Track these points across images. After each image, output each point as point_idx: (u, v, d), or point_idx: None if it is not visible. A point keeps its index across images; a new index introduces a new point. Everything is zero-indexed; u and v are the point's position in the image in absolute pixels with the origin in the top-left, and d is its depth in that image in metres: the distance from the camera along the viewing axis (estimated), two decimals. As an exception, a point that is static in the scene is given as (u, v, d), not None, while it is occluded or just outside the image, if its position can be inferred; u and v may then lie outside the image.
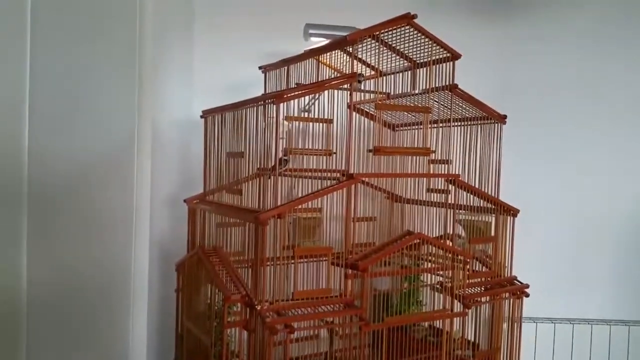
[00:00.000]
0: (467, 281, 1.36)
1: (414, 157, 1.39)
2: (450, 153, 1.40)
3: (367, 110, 1.58)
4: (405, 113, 1.53)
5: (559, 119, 2.08)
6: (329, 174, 1.31)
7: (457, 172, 1.42)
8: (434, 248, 1.34)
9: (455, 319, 1.34)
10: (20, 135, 1.10)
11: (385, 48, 1.35)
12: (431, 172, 1.41)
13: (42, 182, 1.12)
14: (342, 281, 1.22)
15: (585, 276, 2.09)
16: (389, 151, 1.33)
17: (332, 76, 1.48)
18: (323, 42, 1.56)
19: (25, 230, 1.11)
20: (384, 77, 1.46)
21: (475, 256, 1.46)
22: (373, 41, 1.30)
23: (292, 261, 1.16)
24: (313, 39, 1.62)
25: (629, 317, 2.08)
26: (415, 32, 1.29)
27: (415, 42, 1.33)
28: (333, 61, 1.49)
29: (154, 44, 1.26)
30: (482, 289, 1.42)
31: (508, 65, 2.08)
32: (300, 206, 1.17)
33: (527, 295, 1.48)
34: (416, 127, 1.58)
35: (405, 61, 1.42)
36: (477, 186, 1.46)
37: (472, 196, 1.43)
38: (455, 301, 1.34)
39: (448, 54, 1.33)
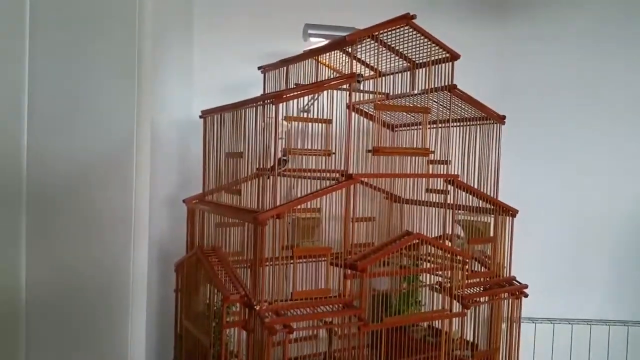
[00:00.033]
0: (466, 281, 1.36)
1: (413, 158, 1.39)
2: (450, 153, 1.40)
3: (367, 111, 1.58)
4: (405, 113, 1.53)
5: (559, 119, 2.08)
6: (328, 174, 1.31)
7: (456, 173, 1.42)
8: (433, 248, 1.34)
9: (454, 319, 1.34)
10: (20, 135, 1.10)
11: (384, 48, 1.35)
12: (430, 172, 1.41)
13: (41, 182, 1.12)
14: (341, 281, 1.22)
15: (585, 276, 2.09)
16: (388, 151, 1.33)
17: (332, 76, 1.48)
18: (322, 42, 1.56)
19: (24, 230, 1.11)
20: (383, 78, 1.46)
21: (474, 256, 1.46)
22: (372, 41, 1.30)
23: (291, 261, 1.16)
24: (312, 39, 1.62)
25: (628, 317, 2.08)
26: (415, 32, 1.29)
27: (414, 43, 1.33)
28: (332, 61, 1.49)
29: (154, 44, 1.26)
30: (481, 289, 1.42)
31: (507, 66, 2.09)
32: (299, 206, 1.17)
33: (526, 296, 1.48)
34: (415, 127, 1.58)
35: (404, 61, 1.42)
36: (476, 186, 1.46)
37: (471, 196, 1.43)
38: (454, 301, 1.34)
39: (447, 55, 1.33)
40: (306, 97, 1.32)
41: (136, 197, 1.20)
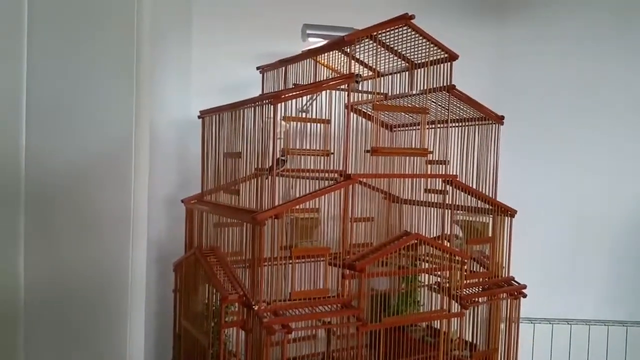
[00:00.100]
0: (465, 282, 1.36)
1: (412, 158, 1.39)
2: (448, 154, 1.40)
3: (365, 111, 1.58)
4: (403, 114, 1.53)
5: (557, 119, 2.08)
6: (326, 175, 1.31)
7: (454, 173, 1.42)
8: (431, 248, 1.34)
9: (452, 319, 1.34)
10: (18, 135, 1.10)
11: (383, 49, 1.35)
12: (429, 172, 1.41)
13: (40, 182, 1.12)
14: (340, 281, 1.22)
15: (584, 277, 2.09)
16: (386, 152, 1.33)
17: (330, 77, 1.48)
18: (321, 42, 1.56)
19: (22, 230, 1.11)
20: (382, 78, 1.46)
21: (473, 257, 1.46)
22: (371, 42, 1.30)
23: (290, 261, 1.16)
24: (311, 39, 1.62)
25: (627, 317, 2.09)
26: (413, 32, 1.29)
27: (412, 43, 1.33)
28: (331, 62, 1.49)
29: (152, 44, 1.26)
30: (480, 289, 1.42)
31: (506, 66, 2.09)
32: (297, 206, 1.17)
33: (525, 296, 1.48)
34: (414, 127, 1.58)
35: (402, 62, 1.42)
36: (474, 187, 1.46)
37: (469, 197, 1.43)
38: (453, 302, 1.34)
39: (445, 55, 1.34)
40: (305, 97, 1.32)
41: (135, 197, 1.20)
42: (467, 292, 1.37)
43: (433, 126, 1.40)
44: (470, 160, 1.47)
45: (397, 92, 1.44)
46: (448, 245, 1.38)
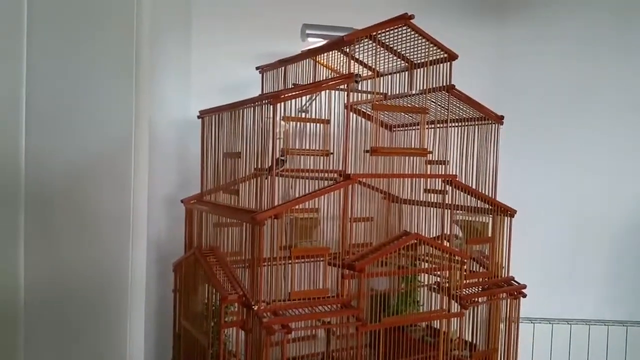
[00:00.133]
0: (465, 282, 1.36)
1: (411, 158, 1.39)
2: (448, 154, 1.40)
3: (364, 111, 1.58)
4: (403, 114, 1.53)
5: (557, 119, 2.08)
6: (326, 175, 1.31)
7: (454, 173, 1.42)
8: (431, 248, 1.34)
9: (452, 319, 1.34)
10: (18, 135, 1.10)
11: (382, 48, 1.35)
12: (428, 172, 1.41)
13: (39, 182, 1.12)
14: (339, 281, 1.22)
15: (583, 276, 2.09)
16: (385, 152, 1.33)
17: (330, 77, 1.48)
18: (320, 42, 1.56)
19: (22, 230, 1.11)
20: (381, 78, 1.46)
21: (473, 257, 1.46)
22: (370, 42, 1.30)
23: (289, 261, 1.17)
24: (310, 39, 1.62)
25: (627, 317, 2.09)
26: (413, 32, 1.29)
27: (412, 43, 1.33)
28: (330, 61, 1.49)
29: (152, 44, 1.26)
30: (480, 289, 1.42)
31: (505, 66, 2.09)
32: (297, 206, 1.17)
33: (525, 296, 1.48)
34: (413, 127, 1.58)
35: (402, 62, 1.42)
36: (474, 187, 1.46)
37: (469, 197, 1.43)
38: (453, 301, 1.34)
39: (445, 55, 1.34)
40: (304, 97, 1.32)
41: (134, 197, 1.20)
42: (467, 292, 1.37)
43: (433, 126, 1.40)
44: (470, 160, 1.47)
45: (397, 92, 1.44)
46: (448, 245, 1.38)
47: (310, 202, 1.20)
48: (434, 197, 1.43)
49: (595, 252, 2.09)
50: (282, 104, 1.18)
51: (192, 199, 1.49)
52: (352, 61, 1.32)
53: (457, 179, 1.41)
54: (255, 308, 1.13)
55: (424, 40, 1.31)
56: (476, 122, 1.47)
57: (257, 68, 1.62)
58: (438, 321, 1.35)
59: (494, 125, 1.48)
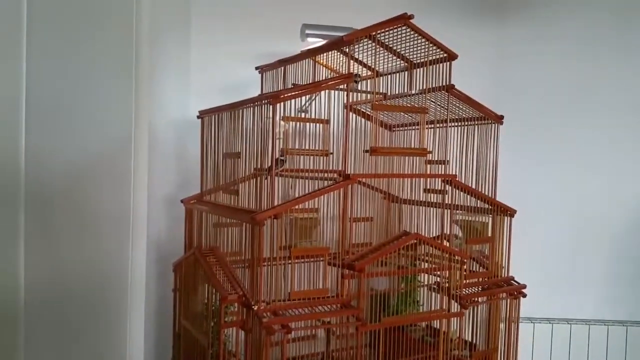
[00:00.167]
0: (464, 281, 1.36)
1: (411, 158, 1.39)
2: (447, 153, 1.40)
3: (364, 111, 1.58)
4: (402, 113, 1.53)
5: (557, 119, 2.08)
6: (325, 175, 1.31)
7: (454, 173, 1.42)
8: (431, 248, 1.34)
9: (452, 319, 1.34)
10: (18, 135, 1.10)
11: (382, 48, 1.35)
12: (428, 172, 1.41)
13: (39, 183, 1.12)
14: (339, 281, 1.22)
15: (583, 276, 2.09)
16: (385, 152, 1.33)
17: (329, 76, 1.48)
18: (320, 42, 1.56)
19: (22, 230, 1.11)
20: (381, 78, 1.46)
21: (473, 256, 1.46)
22: (370, 41, 1.30)
23: (289, 261, 1.17)
24: (310, 39, 1.62)
25: (627, 317, 2.09)
26: (412, 32, 1.29)
27: (412, 43, 1.33)
28: (330, 61, 1.49)
29: (151, 44, 1.27)
30: (480, 289, 1.42)
31: (506, 66, 2.09)
32: (297, 206, 1.17)
33: (525, 296, 1.48)
34: (413, 127, 1.58)
35: (402, 61, 1.42)
36: (474, 186, 1.46)
37: (469, 196, 1.43)
38: (453, 301, 1.34)
39: (445, 54, 1.33)
40: (304, 97, 1.32)
41: (134, 197, 1.20)
42: (467, 291, 1.37)
43: (432, 126, 1.40)
44: (470, 160, 1.47)
45: (396, 92, 1.44)
46: (447, 245, 1.38)
47: (310, 202, 1.20)
48: (434, 197, 1.43)
49: (595, 252, 2.09)
50: (282, 104, 1.18)
51: (192, 199, 1.49)
52: (351, 61, 1.32)
53: (457, 179, 1.40)
54: (255, 308, 1.13)
55: (423, 40, 1.31)
56: (476, 122, 1.47)
57: (256, 68, 1.62)
58: (438, 321, 1.35)
59: (493, 125, 1.48)
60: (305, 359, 1.48)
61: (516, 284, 1.49)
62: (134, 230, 1.21)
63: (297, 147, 1.31)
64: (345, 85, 1.25)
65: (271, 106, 1.15)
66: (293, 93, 1.20)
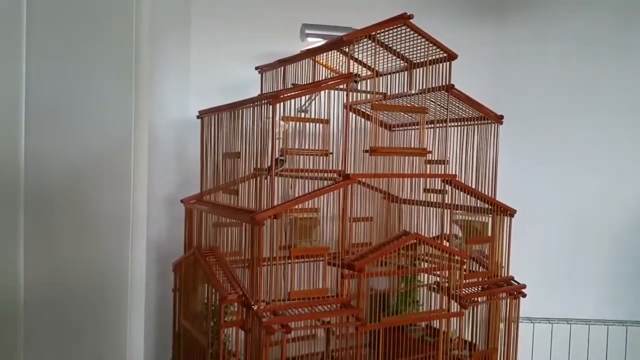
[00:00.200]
0: (464, 281, 1.36)
1: (411, 158, 1.39)
2: (447, 153, 1.40)
3: (364, 111, 1.58)
4: (402, 113, 1.53)
5: (557, 119, 2.08)
6: (325, 175, 1.31)
7: (453, 173, 1.42)
8: (430, 248, 1.34)
9: (452, 319, 1.34)
10: (18, 135, 1.10)
11: (381, 48, 1.35)
12: (428, 172, 1.41)
13: (39, 183, 1.12)
14: (339, 281, 1.22)
15: (583, 276, 2.09)
16: (385, 152, 1.33)
17: (329, 76, 1.48)
18: (319, 42, 1.57)
19: (22, 230, 1.11)
20: (381, 78, 1.46)
21: (472, 256, 1.46)
22: (369, 41, 1.30)
23: (289, 261, 1.17)
24: (309, 39, 1.62)
25: (627, 317, 2.09)
26: (412, 32, 1.29)
27: (411, 43, 1.33)
28: (330, 61, 1.49)
29: (151, 44, 1.27)
30: (479, 289, 1.42)
31: (506, 66, 2.09)
32: (296, 206, 1.17)
33: (524, 295, 1.48)
34: (413, 127, 1.58)
35: (401, 61, 1.42)
36: (474, 186, 1.46)
37: (469, 196, 1.43)
38: (452, 301, 1.34)
39: (444, 54, 1.34)
40: (304, 97, 1.32)
41: (134, 197, 1.20)
42: (467, 291, 1.37)
43: (432, 126, 1.40)
44: (470, 160, 1.47)
45: (396, 92, 1.44)
46: (447, 245, 1.38)
47: (309, 202, 1.20)
48: (434, 196, 1.43)
49: (595, 252, 2.09)
50: (282, 103, 1.18)
51: (191, 199, 1.49)
52: (351, 61, 1.32)
53: (457, 179, 1.41)
54: (255, 308, 1.13)
55: (423, 39, 1.31)
56: (476, 122, 1.47)
57: (256, 68, 1.62)
58: (438, 321, 1.35)
59: (493, 125, 1.48)
60: (305, 358, 1.48)
61: (516, 284, 1.49)
62: (134, 230, 1.21)
63: (297, 147, 1.31)
64: (345, 85, 1.26)
65: (271, 106, 1.15)
66: (293, 93, 1.20)
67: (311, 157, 1.31)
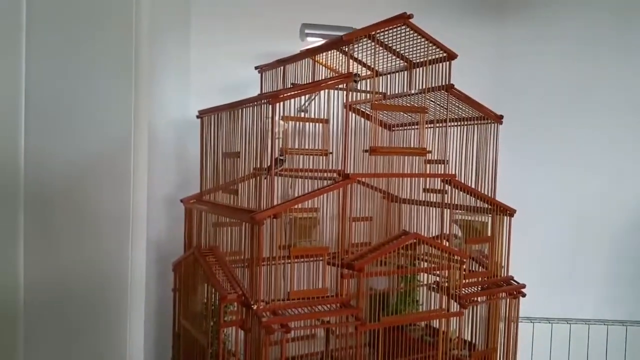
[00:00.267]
0: (464, 281, 1.36)
1: (411, 157, 1.39)
2: (447, 153, 1.40)
3: (364, 110, 1.58)
4: (402, 113, 1.53)
5: (557, 119, 2.08)
6: (325, 174, 1.31)
7: (453, 172, 1.42)
8: (430, 248, 1.34)
9: (451, 318, 1.34)
10: (17, 135, 1.10)
11: (381, 48, 1.35)
12: (427, 172, 1.41)
13: (39, 183, 1.12)
14: (339, 281, 1.22)
15: (583, 276, 2.09)
16: (384, 151, 1.33)
17: (329, 76, 1.48)
18: (319, 42, 1.57)
19: (22, 230, 1.11)
20: (380, 77, 1.46)
21: (472, 256, 1.46)
22: (369, 41, 1.30)
23: (289, 261, 1.17)
24: (309, 39, 1.62)
25: (626, 317, 2.08)
26: (412, 32, 1.29)
27: (411, 42, 1.34)
28: (329, 61, 1.50)
29: (151, 44, 1.27)
30: (479, 288, 1.42)
31: (506, 66, 2.09)
32: (296, 206, 1.18)
33: (524, 295, 1.48)
34: (413, 127, 1.58)
35: (401, 61, 1.42)
36: (473, 186, 1.46)
37: (468, 196, 1.43)
38: (452, 301, 1.34)
39: (444, 54, 1.34)
40: (303, 97, 1.32)
41: (134, 197, 1.20)
42: (466, 291, 1.37)
43: (432, 125, 1.40)
44: (469, 159, 1.47)
45: (396, 92, 1.44)
46: (447, 244, 1.38)
47: (309, 201, 1.20)
48: (433, 196, 1.43)
49: (595, 252, 2.09)
50: (281, 103, 1.18)
51: (191, 199, 1.49)
52: (351, 61, 1.32)
53: (457, 179, 1.41)
54: (255, 307, 1.13)
55: (423, 39, 1.31)
56: (475, 122, 1.47)
57: (256, 68, 1.62)
58: (437, 320, 1.35)
59: (493, 124, 1.48)
60: (305, 358, 1.48)
61: (516, 284, 1.49)
62: (134, 230, 1.21)
63: (296, 146, 1.31)
64: (344, 84, 1.26)
65: (270, 106, 1.15)
66: (292, 93, 1.20)
67: (311, 156, 1.31)
